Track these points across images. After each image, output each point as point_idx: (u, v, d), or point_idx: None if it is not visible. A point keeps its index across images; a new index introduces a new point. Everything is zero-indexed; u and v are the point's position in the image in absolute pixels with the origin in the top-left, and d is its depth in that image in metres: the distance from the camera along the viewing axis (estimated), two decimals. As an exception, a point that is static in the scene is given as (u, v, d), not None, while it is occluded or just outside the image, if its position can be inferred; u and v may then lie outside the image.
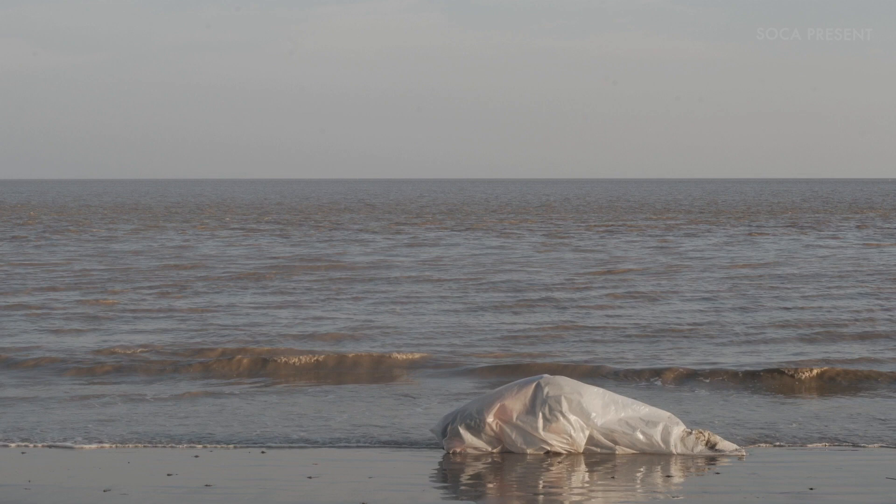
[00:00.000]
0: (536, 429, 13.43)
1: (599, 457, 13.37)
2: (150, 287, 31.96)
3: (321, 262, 40.53)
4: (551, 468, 13.01)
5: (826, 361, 19.96)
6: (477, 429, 13.57)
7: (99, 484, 12.09)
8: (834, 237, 54.61)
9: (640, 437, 13.44)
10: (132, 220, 75.95)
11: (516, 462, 13.23)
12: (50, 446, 14.09)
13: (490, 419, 13.54)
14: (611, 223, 69.89)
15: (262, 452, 13.82)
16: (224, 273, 36.16)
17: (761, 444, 14.17)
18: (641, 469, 12.95)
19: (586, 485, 12.50)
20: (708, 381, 18.57)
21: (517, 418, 13.49)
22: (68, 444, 14.15)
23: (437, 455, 13.69)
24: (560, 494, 12.11)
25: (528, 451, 13.46)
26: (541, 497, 11.99)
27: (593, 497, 12.03)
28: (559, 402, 13.46)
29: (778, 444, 14.26)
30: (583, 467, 13.03)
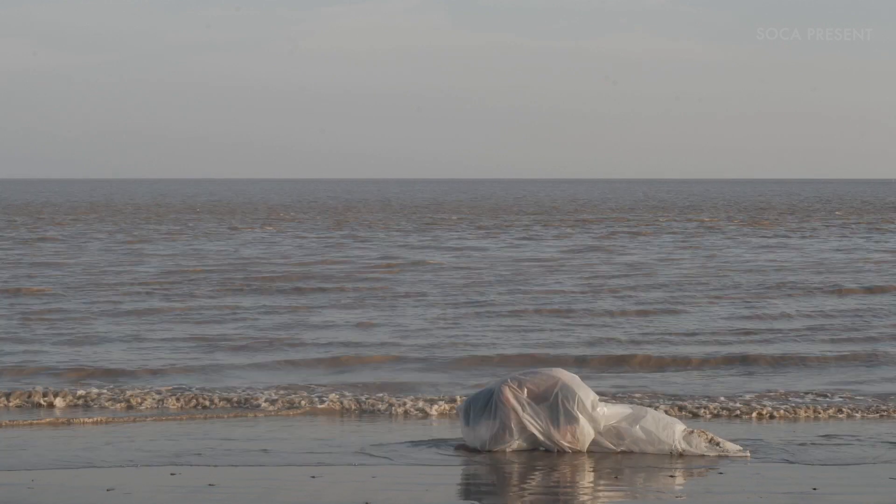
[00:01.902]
0: (548, 421, 13.43)
1: (603, 456, 13.37)
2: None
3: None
4: (555, 467, 13.01)
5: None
6: (492, 409, 13.51)
7: (102, 483, 12.08)
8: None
9: (642, 434, 13.44)
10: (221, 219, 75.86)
11: (520, 461, 13.23)
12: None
13: (507, 396, 13.49)
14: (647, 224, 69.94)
15: (266, 451, 13.83)
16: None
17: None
18: (644, 469, 12.96)
19: (590, 484, 12.51)
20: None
21: (531, 406, 13.47)
22: None
23: (442, 455, 13.69)
24: (564, 493, 12.12)
25: (534, 443, 13.45)
26: (545, 496, 12.00)
27: (597, 497, 12.04)
28: (573, 400, 13.45)
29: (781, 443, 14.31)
30: (587, 467, 13.04)
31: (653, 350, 21.50)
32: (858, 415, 16.22)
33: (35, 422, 15.57)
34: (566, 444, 13.45)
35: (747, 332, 23.68)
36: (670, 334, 23.52)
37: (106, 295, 29.96)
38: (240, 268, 38.12)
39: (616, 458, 13.32)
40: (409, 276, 35.28)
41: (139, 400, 16.88)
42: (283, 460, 13.18)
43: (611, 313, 26.49)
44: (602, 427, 13.49)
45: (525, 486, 12.46)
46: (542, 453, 13.43)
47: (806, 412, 16.36)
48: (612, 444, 13.49)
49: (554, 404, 13.43)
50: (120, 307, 27.47)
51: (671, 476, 12.61)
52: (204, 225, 68.26)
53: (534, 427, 13.45)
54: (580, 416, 13.44)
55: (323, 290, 31.48)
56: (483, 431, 13.55)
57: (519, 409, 13.46)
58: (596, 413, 13.48)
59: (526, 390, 13.50)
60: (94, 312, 26.53)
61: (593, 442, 13.49)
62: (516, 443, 13.53)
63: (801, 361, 20.50)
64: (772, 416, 16.18)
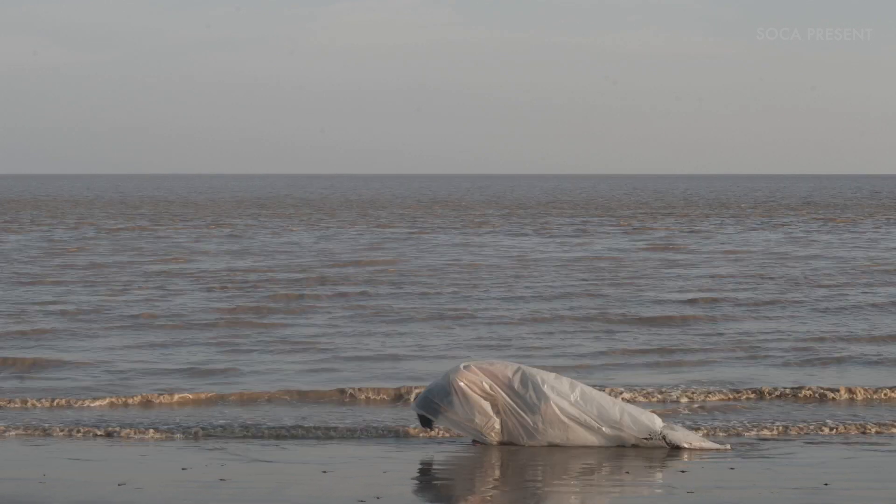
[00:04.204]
0: (519, 405, 13.42)
1: (609, 451, 13.37)
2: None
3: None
4: (560, 462, 13.00)
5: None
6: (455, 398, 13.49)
7: (114, 478, 12.09)
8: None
9: (627, 424, 13.41)
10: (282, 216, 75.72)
11: (527, 456, 13.21)
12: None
13: (461, 381, 13.48)
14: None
15: (277, 446, 13.84)
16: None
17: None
18: (654, 464, 12.96)
19: (599, 479, 12.50)
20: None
21: (507, 389, 13.46)
22: None
23: (452, 450, 13.69)
24: (573, 488, 12.11)
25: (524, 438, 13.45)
26: (554, 491, 12.00)
27: (608, 491, 12.03)
28: (546, 384, 13.46)
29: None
30: (594, 462, 13.02)
31: None
32: None
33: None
34: (541, 427, 13.40)
35: None
36: None
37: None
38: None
39: (624, 453, 13.30)
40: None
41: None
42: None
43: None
44: (577, 414, 13.43)
45: (534, 479, 12.45)
46: (545, 449, 13.40)
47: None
48: (588, 434, 13.42)
49: (520, 390, 13.43)
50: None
51: (682, 472, 12.59)
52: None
53: (508, 407, 13.43)
54: (552, 396, 13.41)
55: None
56: (455, 419, 13.51)
57: (479, 390, 13.45)
58: (570, 397, 13.46)
59: (484, 375, 13.52)
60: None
61: (583, 431, 13.43)
62: (497, 426, 13.46)
63: None
64: None
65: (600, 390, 14.26)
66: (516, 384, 13.47)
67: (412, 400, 15.13)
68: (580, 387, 13.71)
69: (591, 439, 13.45)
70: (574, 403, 13.46)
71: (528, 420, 13.43)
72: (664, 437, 13.42)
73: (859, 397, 16.74)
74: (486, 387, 13.44)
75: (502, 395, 13.44)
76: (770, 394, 16.83)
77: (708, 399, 16.57)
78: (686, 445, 13.44)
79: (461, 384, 13.43)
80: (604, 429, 13.43)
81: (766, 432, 14.51)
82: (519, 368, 13.65)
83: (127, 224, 63.20)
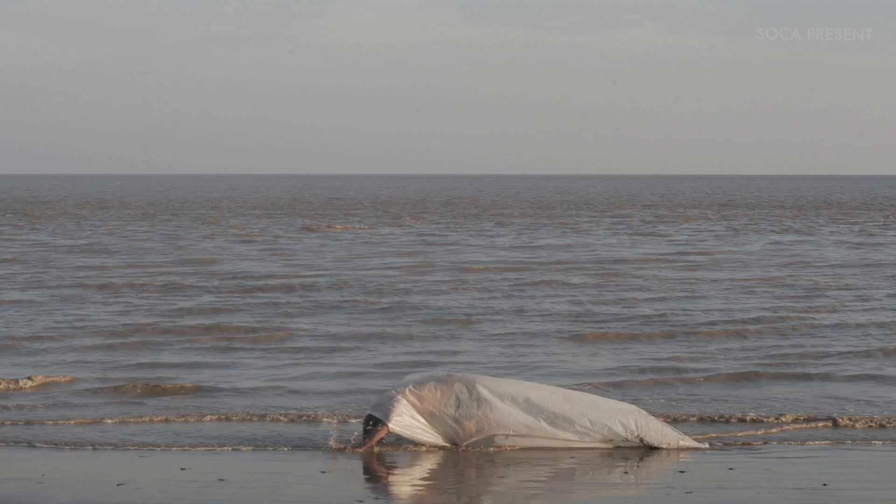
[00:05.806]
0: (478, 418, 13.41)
1: (607, 452, 13.36)
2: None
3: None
4: (558, 462, 13.00)
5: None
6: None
7: (113, 478, 12.10)
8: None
9: (615, 427, 13.39)
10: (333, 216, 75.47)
11: (524, 457, 13.20)
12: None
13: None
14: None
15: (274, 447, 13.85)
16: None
17: (772, 442, 14.16)
18: (653, 464, 12.96)
19: (597, 479, 12.51)
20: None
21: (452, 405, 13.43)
22: None
23: (450, 452, 13.69)
24: (570, 488, 12.12)
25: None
26: (551, 491, 12.00)
27: (609, 492, 12.03)
28: (486, 391, 13.44)
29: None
30: (595, 462, 13.02)
31: None
32: None
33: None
34: (471, 432, 13.40)
35: None
36: None
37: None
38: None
39: (624, 453, 13.30)
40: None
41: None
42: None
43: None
44: (536, 415, 13.40)
45: (529, 480, 12.44)
46: (541, 449, 13.36)
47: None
48: (577, 435, 13.39)
49: (467, 402, 13.35)
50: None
51: (680, 472, 12.59)
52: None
53: (455, 417, 13.39)
54: (503, 400, 13.37)
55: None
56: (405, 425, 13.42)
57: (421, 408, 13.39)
58: (524, 403, 13.43)
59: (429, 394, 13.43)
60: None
61: (563, 431, 13.40)
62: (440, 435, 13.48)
63: None
64: None
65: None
66: (461, 397, 13.28)
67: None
68: (545, 387, 13.66)
69: (569, 437, 13.40)
70: (529, 407, 13.37)
71: (479, 425, 13.34)
72: (640, 437, 13.40)
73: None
74: (424, 406, 13.35)
75: (446, 414, 13.33)
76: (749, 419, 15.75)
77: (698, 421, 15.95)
78: (664, 446, 13.42)
79: (406, 399, 13.30)
80: (577, 426, 13.37)
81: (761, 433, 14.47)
82: (463, 378, 13.43)
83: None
